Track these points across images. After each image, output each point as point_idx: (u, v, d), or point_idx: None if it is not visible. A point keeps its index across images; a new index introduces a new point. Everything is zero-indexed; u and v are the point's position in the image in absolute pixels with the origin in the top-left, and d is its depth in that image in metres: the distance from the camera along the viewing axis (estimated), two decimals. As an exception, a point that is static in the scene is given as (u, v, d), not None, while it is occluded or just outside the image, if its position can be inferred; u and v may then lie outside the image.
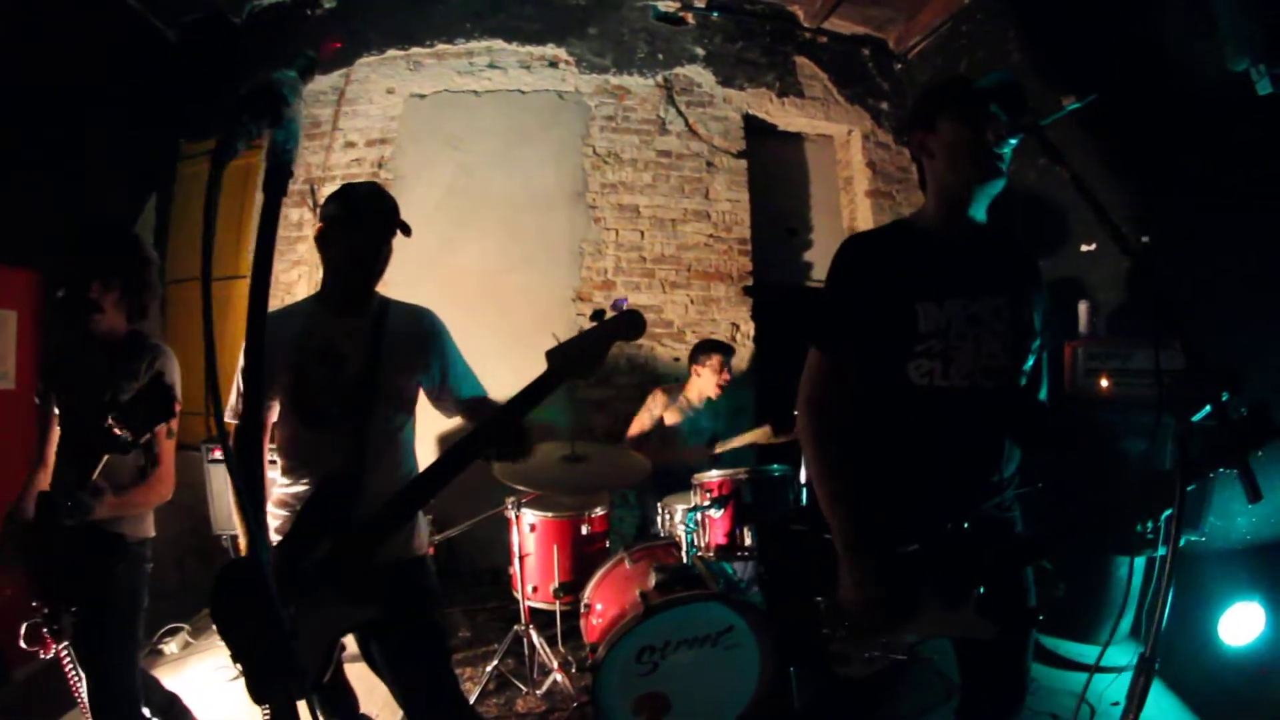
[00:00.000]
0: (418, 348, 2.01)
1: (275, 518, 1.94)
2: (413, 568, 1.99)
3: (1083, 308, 3.52)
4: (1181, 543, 1.17)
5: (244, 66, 4.48)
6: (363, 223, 1.87)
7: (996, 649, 1.59)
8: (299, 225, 4.61)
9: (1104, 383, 3.16)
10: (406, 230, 1.96)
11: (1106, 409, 3.13)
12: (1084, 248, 3.84)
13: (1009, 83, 1.50)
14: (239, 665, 1.69)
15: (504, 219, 4.66)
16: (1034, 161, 3.86)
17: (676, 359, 4.38)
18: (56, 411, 2.17)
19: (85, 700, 2.03)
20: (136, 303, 2.18)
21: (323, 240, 1.92)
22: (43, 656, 2.00)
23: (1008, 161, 1.55)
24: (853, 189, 5.19)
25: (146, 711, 2.15)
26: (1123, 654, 1.52)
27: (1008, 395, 1.65)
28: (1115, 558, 3.02)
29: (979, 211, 1.63)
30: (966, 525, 1.57)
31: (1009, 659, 1.68)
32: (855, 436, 1.65)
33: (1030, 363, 1.68)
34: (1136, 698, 1.16)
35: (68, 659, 2.06)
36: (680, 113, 4.89)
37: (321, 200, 4.40)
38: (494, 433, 1.80)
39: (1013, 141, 1.50)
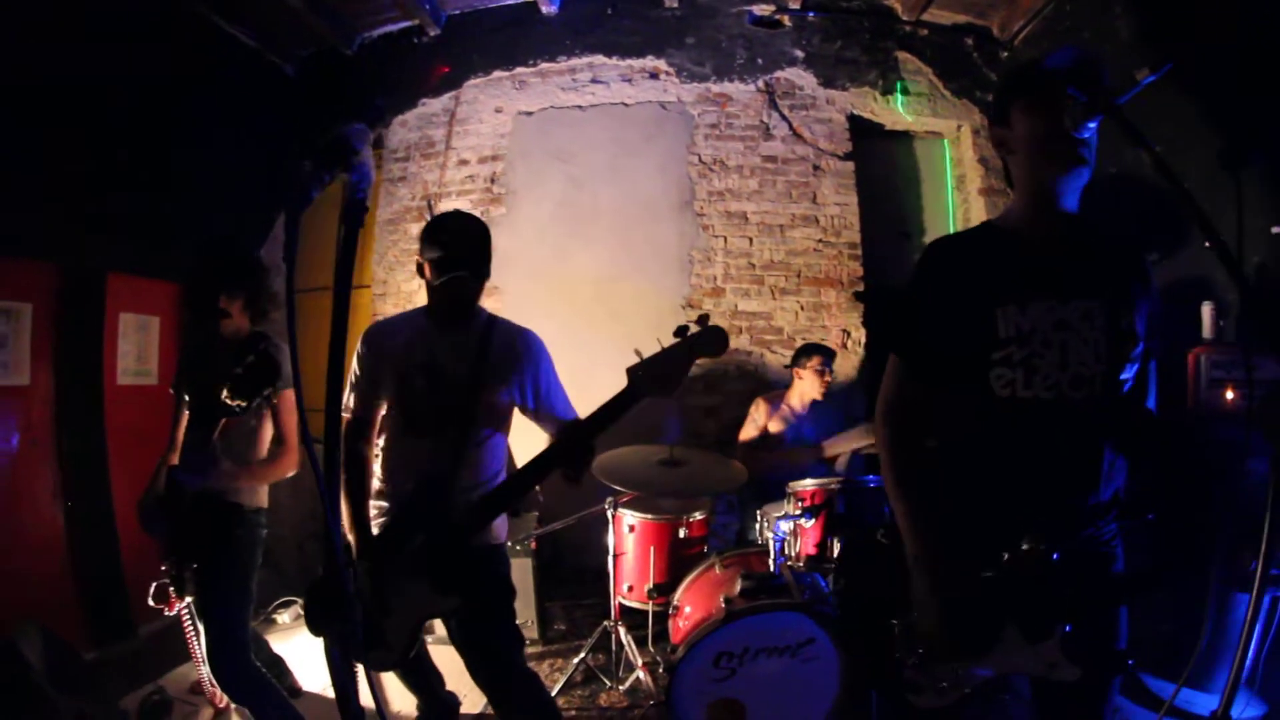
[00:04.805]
0: (510, 365, 2.13)
1: (374, 508, 2.13)
2: (486, 554, 2.13)
3: (1206, 310, 3.06)
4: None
5: (357, 94, 4.84)
6: (451, 256, 2.01)
7: (1075, 690, 1.46)
8: (419, 239, 4.89)
9: (1229, 395, 2.80)
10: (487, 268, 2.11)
11: (1234, 425, 2.73)
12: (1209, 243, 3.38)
13: (1081, 59, 1.36)
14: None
15: (614, 229, 4.76)
16: (1152, 149, 3.49)
17: (786, 366, 4.33)
18: (186, 398, 2.51)
19: (201, 651, 2.33)
20: (258, 308, 2.53)
21: (421, 273, 2.10)
22: (167, 613, 2.34)
23: (1093, 148, 1.42)
24: (965, 188, 4.94)
25: (256, 663, 2.42)
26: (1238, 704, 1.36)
27: (1102, 407, 1.49)
28: (1233, 594, 2.60)
29: (1070, 206, 1.50)
30: (1056, 556, 1.43)
31: (1087, 703, 1.54)
32: (935, 450, 1.58)
33: (1133, 370, 1.52)
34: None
35: (187, 616, 2.40)
36: (784, 117, 4.82)
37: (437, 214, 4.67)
38: (569, 448, 1.91)
39: (1092, 125, 1.37)
